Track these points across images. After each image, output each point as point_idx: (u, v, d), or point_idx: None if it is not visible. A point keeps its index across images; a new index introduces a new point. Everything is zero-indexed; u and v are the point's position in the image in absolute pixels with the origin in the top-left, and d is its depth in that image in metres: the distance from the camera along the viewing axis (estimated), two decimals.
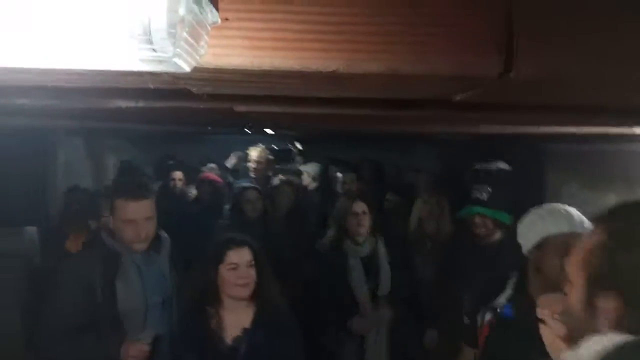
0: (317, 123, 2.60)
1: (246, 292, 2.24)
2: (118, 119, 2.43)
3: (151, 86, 0.81)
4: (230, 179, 5.25)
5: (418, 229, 3.67)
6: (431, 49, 0.71)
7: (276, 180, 4.20)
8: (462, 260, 2.97)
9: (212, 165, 5.69)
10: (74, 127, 4.12)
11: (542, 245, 1.76)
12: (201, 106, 1.34)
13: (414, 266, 3.40)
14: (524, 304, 1.70)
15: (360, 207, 3.13)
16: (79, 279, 2.24)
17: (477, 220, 2.89)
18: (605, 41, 0.75)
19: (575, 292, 0.96)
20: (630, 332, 0.85)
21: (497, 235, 2.90)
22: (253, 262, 2.25)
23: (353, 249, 3.15)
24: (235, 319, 2.26)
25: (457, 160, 5.86)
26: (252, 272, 2.24)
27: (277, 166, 5.11)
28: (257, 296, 2.29)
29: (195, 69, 0.73)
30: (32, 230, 3.89)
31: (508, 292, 1.84)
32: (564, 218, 1.75)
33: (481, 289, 2.02)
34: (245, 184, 4.15)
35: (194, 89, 0.95)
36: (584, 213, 2.48)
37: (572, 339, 0.97)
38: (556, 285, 1.63)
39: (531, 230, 1.80)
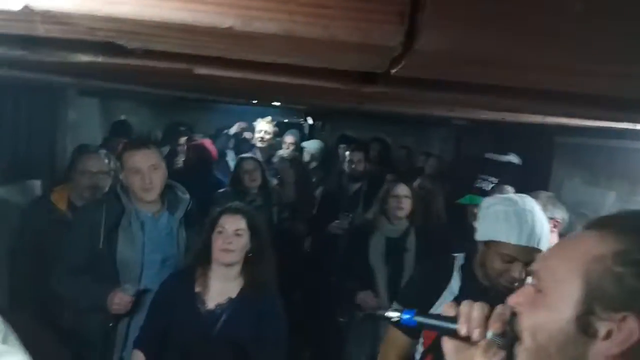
0: (276, 93, 2.58)
1: (228, 258, 2.26)
2: (109, 77, 2.44)
3: (42, 32, 0.80)
4: (230, 146, 5.26)
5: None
6: (329, 12, 0.68)
7: (277, 158, 4.20)
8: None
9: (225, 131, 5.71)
10: (87, 86, 4.19)
11: (489, 245, 1.70)
12: (161, 65, 1.33)
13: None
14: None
15: (402, 190, 3.15)
16: (88, 225, 2.42)
17: (476, 210, 2.87)
18: (524, 18, 0.70)
19: (564, 308, 0.78)
20: None
21: None
22: (242, 231, 2.28)
23: (386, 227, 3.17)
24: (222, 287, 2.30)
25: (470, 148, 5.77)
26: (240, 241, 2.27)
27: (278, 138, 5.10)
28: (245, 271, 2.32)
29: (86, 16, 0.72)
30: (36, 183, 4.00)
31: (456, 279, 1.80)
32: (517, 227, 1.62)
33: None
34: (245, 154, 4.17)
35: (122, 43, 0.93)
36: (584, 208, 2.45)
37: None
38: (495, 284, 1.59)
39: (483, 224, 1.73)
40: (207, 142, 4.91)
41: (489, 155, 3.28)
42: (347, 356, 3.22)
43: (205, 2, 0.67)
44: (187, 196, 2.62)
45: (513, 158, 3.05)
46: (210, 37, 0.78)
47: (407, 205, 3.15)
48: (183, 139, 5.04)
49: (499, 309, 0.86)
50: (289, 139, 5.27)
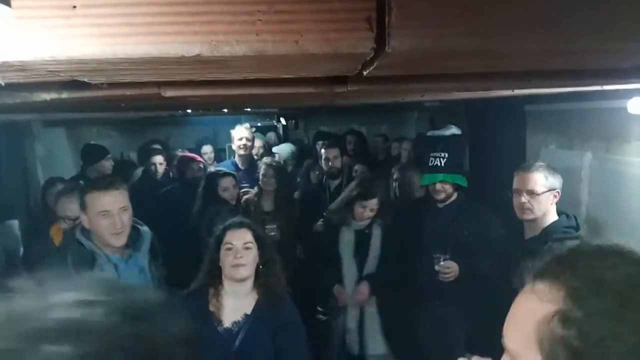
0: (246, 102, 2.57)
1: (241, 273, 2.22)
2: (76, 109, 2.39)
3: (1, 83, 0.77)
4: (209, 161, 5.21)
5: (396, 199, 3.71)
6: (297, 27, 0.66)
7: (262, 165, 4.12)
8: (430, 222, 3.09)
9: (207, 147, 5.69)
10: (53, 118, 4.08)
11: None
12: (128, 93, 1.29)
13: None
14: None
15: (371, 203, 3.17)
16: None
17: (438, 187, 2.97)
18: (492, 9, 0.70)
19: None
20: None
21: (454, 196, 3.04)
22: (251, 244, 2.25)
23: (353, 224, 3.25)
24: (237, 304, 2.26)
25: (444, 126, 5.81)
26: (250, 254, 2.24)
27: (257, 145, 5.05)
28: (259, 284, 2.28)
29: (46, 62, 0.69)
30: (14, 223, 3.90)
31: None
32: None
33: None
34: (220, 168, 4.10)
35: (85, 79, 0.91)
36: (561, 173, 2.49)
37: None
38: None
39: None
40: (196, 156, 4.86)
41: (430, 133, 3.32)
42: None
43: (168, 33, 0.66)
44: (146, 228, 2.46)
45: (454, 129, 3.09)
46: (177, 64, 0.76)
47: (372, 211, 3.20)
48: (158, 157, 4.94)
49: None
50: (257, 142, 5.22)
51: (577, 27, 0.68)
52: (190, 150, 5.31)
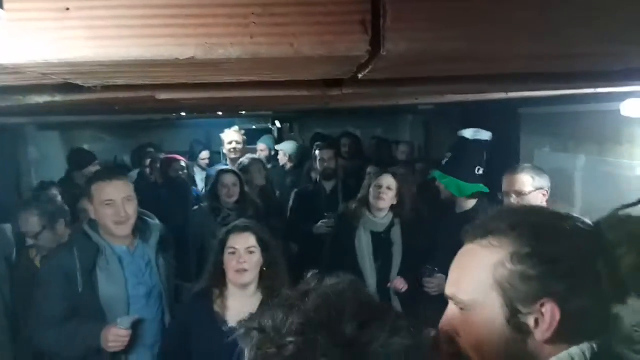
0: (241, 104, 2.56)
1: (245, 279, 2.22)
2: (75, 111, 2.37)
3: None
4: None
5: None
6: (292, 30, 0.66)
7: (245, 160, 4.11)
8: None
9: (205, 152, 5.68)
10: (46, 122, 4.06)
11: None
12: (121, 96, 1.29)
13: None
14: None
15: (386, 181, 3.07)
16: (62, 271, 2.25)
17: (437, 184, 2.90)
18: (490, 12, 0.70)
19: (494, 317, 0.84)
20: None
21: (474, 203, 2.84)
22: (254, 248, 2.23)
23: (369, 221, 3.09)
24: (242, 305, 2.24)
25: (439, 130, 5.83)
26: (253, 258, 2.23)
27: (248, 146, 5.04)
28: (263, 286, 2.27)
29: (38, 64, 0.69)
30: (6, 227, 3.87)
31: None
32: None
33: None
34: (223, 166, 4.07)
35: (78, 82, 0.90)
36: (556, 175, 2.49)
37: None
38: None
39: None
40: (178, 156, 4.84)
41: (470, 135, 3.22)
42: None
43: (162, 36, 0.65)
44: (157, 221, 2.51)
45: (467, 133, 2.98)
46: (172, 67, 0.75)
47: (389, 196, 3.09)
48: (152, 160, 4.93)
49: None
50: (260, 146, 5.22)
51: (571, 31, 0.68)
52: (184, 154, 5.28)
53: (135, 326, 2.26)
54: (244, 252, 2.22)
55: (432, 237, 2.94)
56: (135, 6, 0.65)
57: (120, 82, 0.88)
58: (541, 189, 2.47)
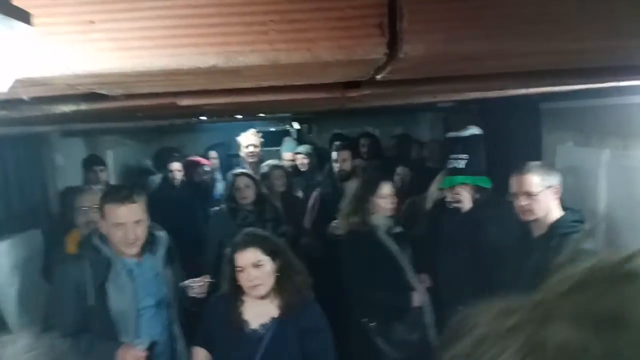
0: (260, 108, 2.58)
1: (259, 292, 2.24)
2: (98, 119, 2.43)
3: (25, 97, 0.79)
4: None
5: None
6: (310, 35, 0.67)
7: (265, 167, 4.15)
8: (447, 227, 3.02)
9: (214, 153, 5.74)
10: (70, 129, 4.15)
11: None
12: (144, 103, 1.32)
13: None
14: None
15: (386, 189, 3.08)
16: (72, 283, 2.28)
17: (458, 189, 2.88)
18: (508, 11, 0.70)
19: None
20: None
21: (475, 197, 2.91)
22: (262, 261, 2.23)
23: (383, 224, 3.09)
24: (262, 310, 2.29)
25: (459, 127, 5.77)
26: (263, 270, 2.23)
27: (268, 148, 5.07)
28: (280, 289, 2.28)
29: (66, 76, 0.71)
30: (36, 233, 3.97)
31: None
32: None
33: None
34: (238, 170, 4.11)
35: (103, 92, 0.93)
36: (580, 170, 2.44)
37: None
38: None
39: None
40: (202, 159, 4.90)
41: (449, 134, 3.24)
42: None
43: (184, 45, 0.67)
44: (164, 233, 2.54)
45: (474, 129, 3.00)
46: (194, 75, 0.77)
47: (392, 203, 3.11)
48: (176, 164, 4.99)
49: None
50: (287, 155, 5.25)
51: (589, 26, 0.68)
52: (202, 157, 5.36)
53: (152, 347, 2.29)
54: (252, 269, 2.22)
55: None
56: (157, 17, 0.67)
57: (143, 90, 0.90)
58: (551, 187, 2.41)
